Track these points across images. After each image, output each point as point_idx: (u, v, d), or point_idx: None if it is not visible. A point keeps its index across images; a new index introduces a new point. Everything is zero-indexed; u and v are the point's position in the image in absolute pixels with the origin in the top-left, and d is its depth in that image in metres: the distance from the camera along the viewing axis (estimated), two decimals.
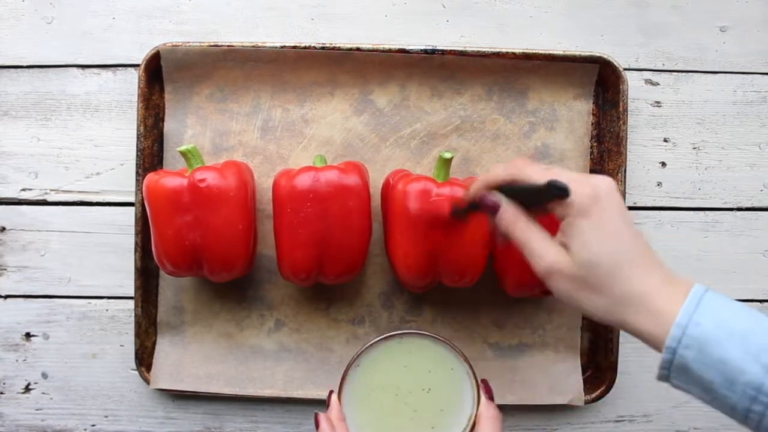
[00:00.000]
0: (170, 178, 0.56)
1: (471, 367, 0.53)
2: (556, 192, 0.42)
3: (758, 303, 0.66)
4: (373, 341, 0.53)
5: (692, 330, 0.38)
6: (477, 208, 0.50)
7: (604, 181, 0.44)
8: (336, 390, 0.53)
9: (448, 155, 0.56)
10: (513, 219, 0.46)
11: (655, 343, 0.40)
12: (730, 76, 0.66)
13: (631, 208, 0.65)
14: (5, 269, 0.66)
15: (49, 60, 0.66)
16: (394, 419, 0.53)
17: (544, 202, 0.44)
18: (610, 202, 0.43)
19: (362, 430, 0.52)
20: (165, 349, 0.64)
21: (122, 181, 0.65)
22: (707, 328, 0.38)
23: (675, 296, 0.40)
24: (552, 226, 0.46)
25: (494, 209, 0.47)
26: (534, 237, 0.45)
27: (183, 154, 0.57)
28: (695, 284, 0.41)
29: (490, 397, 0.53)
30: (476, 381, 0.53)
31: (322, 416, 0.51)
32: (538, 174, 0.45)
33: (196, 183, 0.55)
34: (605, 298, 0.42)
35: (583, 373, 0.64)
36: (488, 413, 0.52)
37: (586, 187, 0.43)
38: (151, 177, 0.57)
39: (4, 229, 0.66)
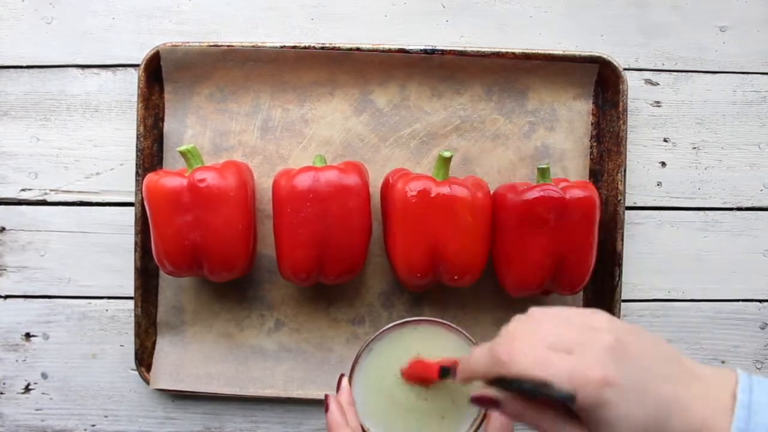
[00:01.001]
0: (170, 178, 0.56)
1: None
2: (560, 399, 0.35)
3: (758, 303, 0.66)
4: (387, 327, 0.52)
5: None
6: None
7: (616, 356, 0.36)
8: (347, 374, 0.52)
9: (447, 154, 0.56)
10: (520, 411, 0.39)
11: None
12: (730, 76, 0.66)
13: (631, 208, 0.65)
14: (5, 269, 0.66)
15: (49, 60, 0.66)
16: (404, 406, 0.52)
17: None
18: (629, 371, 0.36)
19: (372, 416, 0.52)
20: (165, 349, 0.64)
21: (122, 181, 0.65)
22: None
23: (720, 404, 0.36)
24: None
25: (495, 405, 0.40)
26: (550, 423, 0.38)
27: (183, 154, 0.57)
28: (739, 384, 0.36)
29: None
30: None
31: (332, 398, 0.50)
32: (531, 369, 0.36)
33: (196, 183, 0.55)
34: None
35: None
36: None
37: (593, 372, 0.35)
38: (151, 177, 0.57)
39: (4, 229, 0.66)
